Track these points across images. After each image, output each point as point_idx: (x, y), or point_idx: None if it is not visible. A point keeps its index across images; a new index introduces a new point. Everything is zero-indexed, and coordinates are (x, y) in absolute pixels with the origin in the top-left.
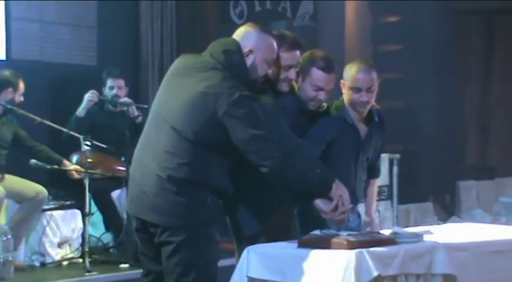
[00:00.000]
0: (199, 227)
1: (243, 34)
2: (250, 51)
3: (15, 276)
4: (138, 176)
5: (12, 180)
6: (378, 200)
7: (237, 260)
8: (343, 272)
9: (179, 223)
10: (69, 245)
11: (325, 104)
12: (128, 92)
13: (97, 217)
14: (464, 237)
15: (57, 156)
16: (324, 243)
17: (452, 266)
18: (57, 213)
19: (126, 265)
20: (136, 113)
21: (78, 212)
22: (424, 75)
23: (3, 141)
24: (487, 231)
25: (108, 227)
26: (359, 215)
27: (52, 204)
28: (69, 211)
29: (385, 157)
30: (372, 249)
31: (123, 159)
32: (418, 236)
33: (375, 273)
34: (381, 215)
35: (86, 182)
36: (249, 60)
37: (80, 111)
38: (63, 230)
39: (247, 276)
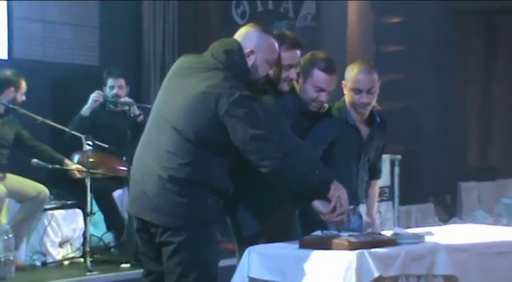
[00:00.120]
0: (200, 227)
1: (244, 34)
2: (252, 52)
3: (16, 275)
4: (139, 176)
5: (14, 180)
6: (379, 201)
7: (238, 260)
8: (344, 273)
9: (180, 223)
10: (71, 244)
11: (326, 105)
12: (129, 91)
13: (98, 217)
14: (466, 239)
15: (59, 155)
16: (325, 244)
17: (454, 267)
18: (58, 213)
19: (127, 265)
20: (137, 112)
21: (79, 212)
22: (425, 75)
23: (5, 141)
24: (488, 233)
25: (109, 227)
26: (360, 216)
27: (53, 204)
28: (71, 211)
29: (386, 158)
30: (373, 250)
31: (124, 159)
32: (419, 237)
33: (376, 274)
34: (382, 216)
35: (88, 182)
36: (250, 61)
37: (85, 110)
38: (65, 230)
39: (248, 277)
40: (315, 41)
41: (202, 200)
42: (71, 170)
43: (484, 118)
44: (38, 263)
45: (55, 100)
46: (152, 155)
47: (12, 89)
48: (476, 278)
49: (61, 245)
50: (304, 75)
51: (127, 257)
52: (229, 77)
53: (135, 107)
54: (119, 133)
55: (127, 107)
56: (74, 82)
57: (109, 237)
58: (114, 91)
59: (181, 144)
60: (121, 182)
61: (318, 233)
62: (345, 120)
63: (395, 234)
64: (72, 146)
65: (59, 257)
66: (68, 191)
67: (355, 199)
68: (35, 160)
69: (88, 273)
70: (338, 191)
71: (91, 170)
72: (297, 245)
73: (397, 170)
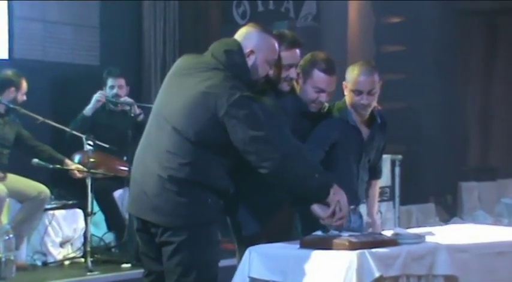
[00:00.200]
0: (200, 227)
1: (245, 34)
2: (252, 52)
3: (17, 275)
4: (139, 176)
5: (15, 180)
6: (380, 201)
7: (238, 260)
8: (344, 273)
9: (180, 223)
10: (71, 244)
11: (326, 104)
12: (130, 91)
13: (99, 217)
14: (466, 239)
15: (59, 156)
16: (325, 244)
17: (454, 267)
18: (59, 213)
19: (128, 265)
20: (137, 111)
21: (80, 212)
22: (425, 75)
23: (6, 141)
24: (489, 233)
25: (110, 227)
26: (361, 216)
27: (54, 204)
28: (71, 211)
29: (387, 158)
30: (373, 250)
31: (125, 158)
32: (419, 237)
33: (377, 274)
34: (382, 216)
35: (88, 182)
36: (250, 61)
37: (88, 110)
38: (65, 230)
39: (249, 277)
40: (316, 41)
41: (202, 200)
42: (72, 169)
43: (485, 118)
44: (39, 263)
45: (55, 100)
46: (152, 155)
47: (12, 89)
48: (476, 278)
49: (62, 245)
50: (304, 76)
51: (128, 257)
52: (229, 77)
53: (136, 106)
54: (119, 133)
55: (127, 107)
56: (75, 82)
57: (110, 237)
58: (114, 91)
59: (181, 144)
60: (122, 181)
61: (319, 233)
62: (346, 121)
63: (396, 234)
64: (72, 146)
65: (59, 257)
66: (68, 191)
67: (355, 199)
68: (35, 160)
69: (89, 273)
70: (338, 196)
71: (92, 170)
72: (298, 245)
73: (397, 170)
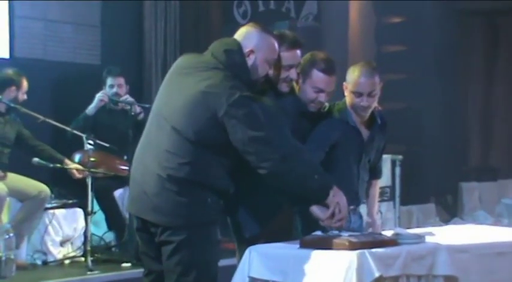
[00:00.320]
0: (199, 227)
1: (244, 34)
2: (251, 51)
3: (17, 274)
4: (139, 175)
5: (15, 179)
6: (380, 201)
7: (238, 260)
8: (344, 273)
9: (180, 223)
10: (71, 243)
11: (327, 104)
12: (131, 91)
13: (99, 216)
14: (466, 239)
15: (59, 155)
16: (325, 244)
17: (454, 268)
18: (59, 212)
19: (128, 264)
20: (138, 110)
21: (80, 211)
22: (426, 76)
23: (7, 140)
24: (489, 233)
25: (110, 226)
26: (361, 216)
27: (54, 203)
28: (72, 210)
29: (387, 158)
30: (373, 250)
31: (125, 158)
32: (420, 237)
33: (377, 274)
34: (383, 216)
35: (89, 181)
36: (250, 60)
37: (90, 109)
38: (66, 229)
39: (249, 277)
40: (317, 41)
41: (202, 199)
42: (72, 168)
43: (486, 118)
44: (39, 262)
45: (56, 99)
46: (152, 154)
47: (13, 88)
48: (476, 278)
49: (62, 244)
50: (303, 75)
51: (128, 257)
52: (229, 76)
53: (136, 105)
54: (120, 132)
55: (128, 106)
56: (76, 81)
57: (110, 237)
58: (114, 90)
59: (181, 143)
60: (122, 181)
61: (319, 232)
62: (346, 122)
63: (396, 234)
64: (73, 145)
65: (59, 256)
66: (69, 190)
67: (356, 199)
68: (36, 159)
69: (89, 273)
70: (337, 197)
71: (92, 169)
72: (298, 245)
73: (398, 170)
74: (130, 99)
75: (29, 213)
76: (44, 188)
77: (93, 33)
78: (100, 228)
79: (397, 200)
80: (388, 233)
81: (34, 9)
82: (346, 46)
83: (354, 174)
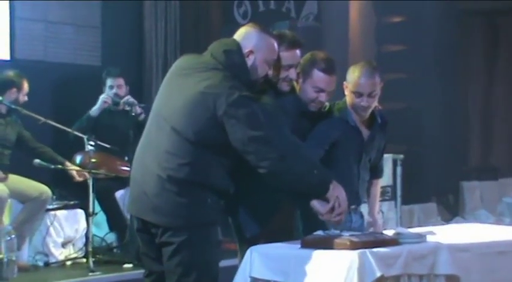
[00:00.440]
0: (200, 228)
1: (244, 34)
2: (251, 52)
3: (18, 276)
4: (139, 176)
5: (16, 180)
6: (382, 201)
7: (240, 261)
8: (346, 273)
9: (180, 223)
10: (73, 245)
11: (327, 104)
12: (131, 91)
13: (101, 217)
14: (468, 238)
15: (60, 158)
16: (326, 244)
17: (456, 267)
18: (60, 213)
19: (130, 265)
20: (138, 111)
21: (81, 212)
22: (427, 75)
23: (7, 142)
24: (491, 232)
25: (111, 227)
26: (362, 216)
27: (56, 204)
28: (73, 211)
29: (388, 158)
30: (374, 249)
31: (126, 158)
32: (421, 237)
33: (378, 274)
34: (384, 215)
35: (90, 182)
36: (249, 61)
37: (94, 111)
38: (67, 230)
39: (250, 277)
40: (317, 41)
41: (202, 200)
42: (74, 169)
43: (486, 118)
44: (41, 264)
45: (57, 100)
46: (152, 155)
47: (14, 89)
48: (478, 277)
49: (63, 245)
50: (303, 75)
51: (129, 257)
52: (229, 77)
53: (137, 106)
54: (120, 133)
55: (128, 107)
56: (76, 82)
57: (111, 238)
58: (113, 90)
59: (181, 144)
60: (123, 182)
61: (320, 232)
62: (346, 121)
63: (397, 234)
64: (74, 146)
65: (61, 258)
66: (70, 192)
67: (356, 199)
68: (37, 160)
69: (90, 274)
70: (336, 191)
71: (93, 171)
72: (299, 245)
73: (399, 169)
74: (131, 99)
75: (31, 214)
76: (45, 190)
77: (94, 34)
78: (101, 229)
79: (399, 199)
80: (389, 233)
81: (34, 10)
82: (347, 46)
83: (354, 174)
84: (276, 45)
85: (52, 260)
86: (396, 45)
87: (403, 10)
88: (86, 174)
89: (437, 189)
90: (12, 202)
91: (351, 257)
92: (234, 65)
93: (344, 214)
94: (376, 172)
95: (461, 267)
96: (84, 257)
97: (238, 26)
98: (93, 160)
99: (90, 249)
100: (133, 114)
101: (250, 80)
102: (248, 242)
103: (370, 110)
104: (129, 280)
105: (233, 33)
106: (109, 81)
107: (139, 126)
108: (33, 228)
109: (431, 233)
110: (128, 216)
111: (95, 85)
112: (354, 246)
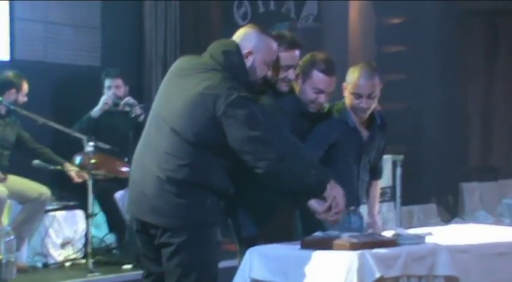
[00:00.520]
0: (199, 228)
1: (243, 35)
2: (250, 53)
3: (17, 277)
4: (139, 177)
5: (15, 181)
6: (381, 201)
7: (239, 261)
8: (345, 273)
9: (179, 224)
10: (72, 245)
11: (326, 105)
12: (131, 92)
13: (100, 218)
14: (467, 239)
15: (59, 159)
16: (326, 245)
17: (455, 268)
18: (60, 214)
19: (129, 266)
20: (138, 112)
21: (81, 213)
22: (427, 76)
23: (7, 142)
24: (490, 233)
25: (111, 228)
26: (361, 217)
27: (55, 205)
28: (72, 212)
29: (388, 158)
30: (374, 250)
31: (126, 159)
32: (420, 238)
33: (377, 275)
34: (384, 216)
35: (89, 183)
36: (248, 62)
37: (95, 112)
38: (66, 231)
39: (250, 278)
40: (317, 41)
41: (201, 201)
42: (73, 170)
43: (486, 118)
44: (39, 265)
45: (57, 101)
46: (151, 156)
47: (13, 90)
48: (477, 278)
49: (62, 246)
50: (303, 76)
51: (129, 258)
52: (228, 77)
53: (137, 107)
54: (120, 134)
55: (128, 108)
56: (76, 83)
57: (111, 239)
58: (112, 91)
59: (180, 145)
60: (123, 183)
61: (319, 233)
62: (345, 122)
63: (397, 235)
64: (73, 147)
65: (60, 259)
66: (69, 192)
67: (356, 200)
68: (36, 161)
69: (89, 275)
70: (334, 190)
71: (92, 172)
72: (299, 246)
73: (399, 170)
74: (132, 100)
75: (30, 215)
76: (44, 190)
77: (94, 34)
78: (101, 230)
79: (398, 200)
80: (388, 234)
81: (34, 11)
82: (347, 46)
83: (353, 174)
84: (275, 46)
85: (51, 261)
86: (396, 46)
87: (403, 10)
88: (85, 175)
89: (437, 190)
90: (12, 203)
91: (351, 258)
92: (233, 66)
93: (341, 213)
94: (375, 173)
95: (460, 268)
96: (83, 258)
97: (238, 26)
98: (93, 161)
99: (89, 250)
100: (133, 115)
101: (249, 80)
102: (247, 242)
103: (369, 111)
104: (128, 281)
105: (233, 34)
106: (107, 82)
107: (138, 127)
108: (33, 229)
109: (431, 234)
110: (127, 217)
111: (95, 86)
112: (353, 247)
